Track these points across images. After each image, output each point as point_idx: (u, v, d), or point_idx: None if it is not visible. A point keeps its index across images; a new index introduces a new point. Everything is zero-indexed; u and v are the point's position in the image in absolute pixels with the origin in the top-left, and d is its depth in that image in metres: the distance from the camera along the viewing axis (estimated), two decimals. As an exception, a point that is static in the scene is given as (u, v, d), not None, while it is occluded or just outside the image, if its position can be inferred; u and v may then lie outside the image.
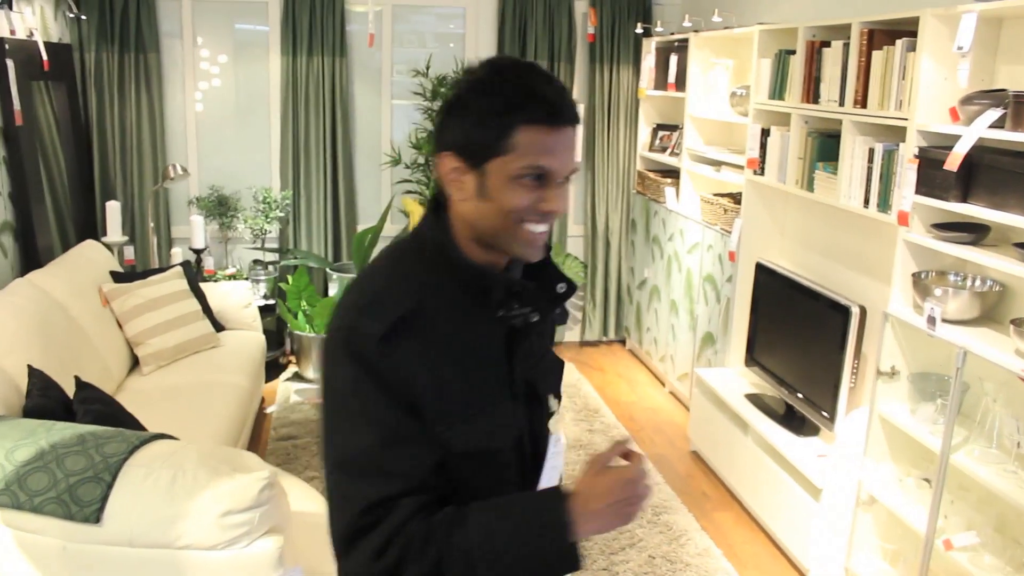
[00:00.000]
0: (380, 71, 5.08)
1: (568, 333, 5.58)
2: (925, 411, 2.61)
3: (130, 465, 1.98)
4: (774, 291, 3.56)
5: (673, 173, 4.79)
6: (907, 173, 2.62)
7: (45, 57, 3.86)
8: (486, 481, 1.17)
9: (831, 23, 3.13)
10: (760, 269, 3.66)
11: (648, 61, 4.94)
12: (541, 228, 1.14)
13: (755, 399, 3.57)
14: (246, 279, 4.70)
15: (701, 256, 4.30)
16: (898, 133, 2.75)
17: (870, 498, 2.83)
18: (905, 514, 2.63)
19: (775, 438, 3.24)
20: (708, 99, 4.43)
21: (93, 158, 4.59)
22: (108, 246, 4.16)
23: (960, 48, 2.38)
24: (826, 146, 3.19)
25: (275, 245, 5.05)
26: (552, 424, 1.37)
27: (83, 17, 4.43)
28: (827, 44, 3.12)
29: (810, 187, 3.26)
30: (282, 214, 4.89)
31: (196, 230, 4.56)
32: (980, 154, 2.37)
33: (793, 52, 3.35)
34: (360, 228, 4.99)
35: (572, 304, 5.49)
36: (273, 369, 4.76)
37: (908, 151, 2.63)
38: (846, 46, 2.97)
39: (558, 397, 1.37)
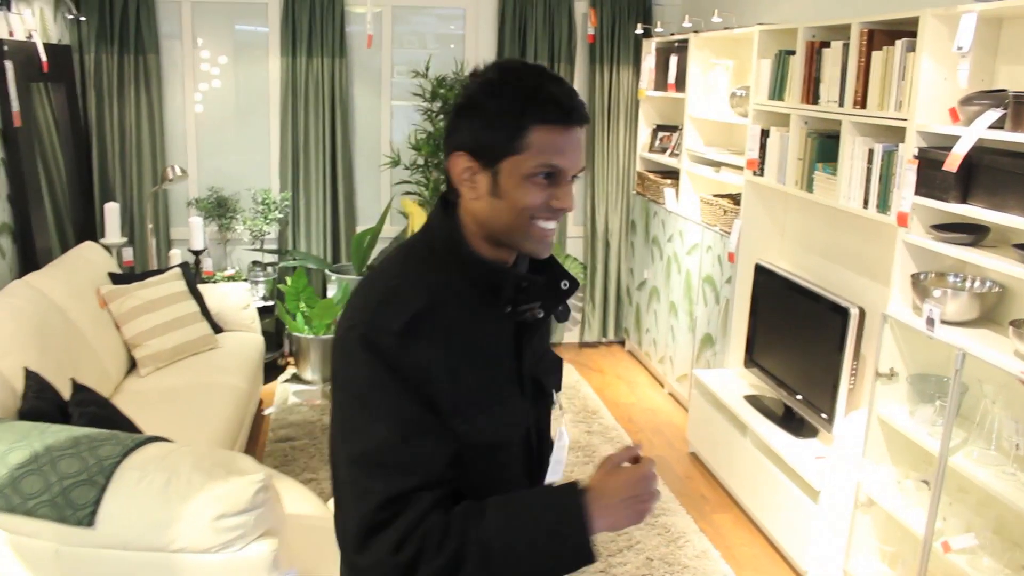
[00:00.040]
0: (380, 72, 5.08)
1: (567, 334, 5.58)
2: (924, 413, 2.60)
3: (124, 468, 1.97)
4: (773, 292, 3.55)
5: (673, 174, 4.77)
6: (906, 174, 2.61)
7: (44, 58, 3.85)
8: (493, 474, 1.20)
9: (831, 23, 3.12)
10: (759, 270, 3.66)
11: (648, 62, 4.93)
12: (551, 225, 1.18)
13: (754, 400, 3.56)
14: (245, 280, 4.70)
15: (700, 257, 4.29)
16: (898, 134, 2.73)
17: (869, 500, 2.82)
18: (904, 516, 2.62)
19: (774, 440, 3.23)
20: (708, 100, 4.42)
21: (92, 159, 4.59)
22: (107, 247, 4.16)
23: (960, 48, 2.37)
24: (826, 147, 3.18)
25: (274, 246, 5.05)
26: (555, 420, 1.38)
27: (82, 18, 4.43)
28: (827, 44, 3.11)
29: (809, 188, 3.25)
30: (281, 215, 4.89)
31: (195, 231, 4.56)
32: (980, 155, 2.36)
33: (793, 52, 3.34)
34: (359, 229, 4.99)
35: (572, 305, 5.48)
36: (271, 371, 4.76)
37: (908, 152, 2.62)
38: (846, 46, 2.96)
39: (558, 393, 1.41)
